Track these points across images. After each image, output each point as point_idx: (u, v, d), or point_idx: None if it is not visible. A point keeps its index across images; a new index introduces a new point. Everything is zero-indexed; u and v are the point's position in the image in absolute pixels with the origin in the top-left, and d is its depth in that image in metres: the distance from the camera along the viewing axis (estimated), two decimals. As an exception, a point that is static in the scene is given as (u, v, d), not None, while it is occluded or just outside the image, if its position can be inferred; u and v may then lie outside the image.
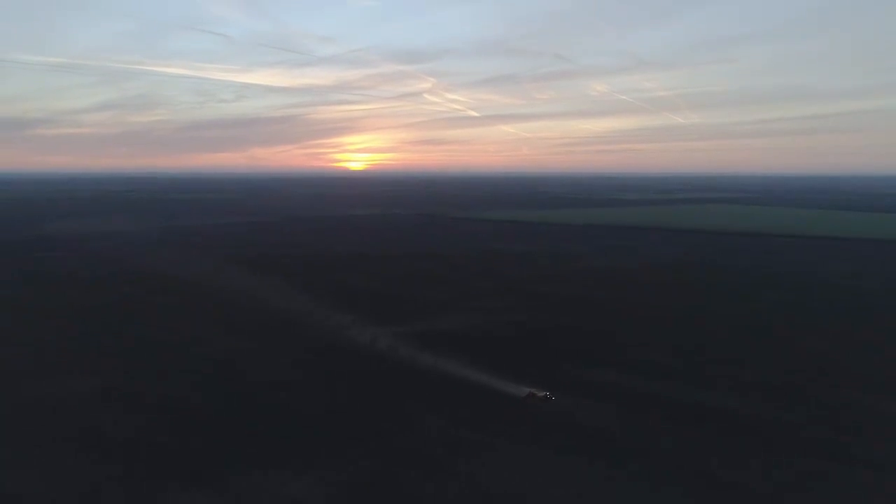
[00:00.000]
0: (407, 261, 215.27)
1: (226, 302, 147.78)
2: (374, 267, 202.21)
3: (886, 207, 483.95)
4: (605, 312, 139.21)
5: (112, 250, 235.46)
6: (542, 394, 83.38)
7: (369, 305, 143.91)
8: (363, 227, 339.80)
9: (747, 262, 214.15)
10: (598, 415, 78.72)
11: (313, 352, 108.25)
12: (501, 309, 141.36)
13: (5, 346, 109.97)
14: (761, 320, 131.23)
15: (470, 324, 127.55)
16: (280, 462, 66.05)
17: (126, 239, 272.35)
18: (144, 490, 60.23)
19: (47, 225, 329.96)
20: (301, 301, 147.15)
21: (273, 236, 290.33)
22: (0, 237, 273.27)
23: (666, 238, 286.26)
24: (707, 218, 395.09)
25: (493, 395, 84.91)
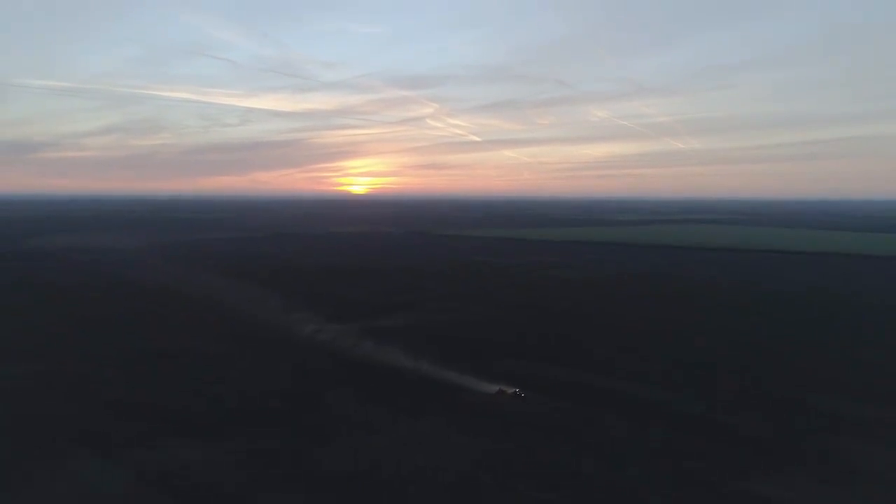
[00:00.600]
0: (381, 271, 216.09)
1: (189, 300, 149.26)
2: (344, 276, 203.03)
3: (880, 228, 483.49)
4: (567, 317, 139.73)
5: (96, 262, 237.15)
6: (511, 391, 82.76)
7: (328, 306, 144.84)
8: (347, 243, 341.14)
9: (715, 273, 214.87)
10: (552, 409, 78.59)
11: (267, 344, 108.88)
12: (463, 311, 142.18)
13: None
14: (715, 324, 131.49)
15: (420, 322, 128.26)
16: (194, 436, 66.44)
17: (114, 251, 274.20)
18: (58, 455, 60.85)
19: (40, 239, 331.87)
20: (263, 302, 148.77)
21: (253, 249, 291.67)
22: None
23: (648, 252, 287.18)
24: (693, 235, 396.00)
25: (462, 392, 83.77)
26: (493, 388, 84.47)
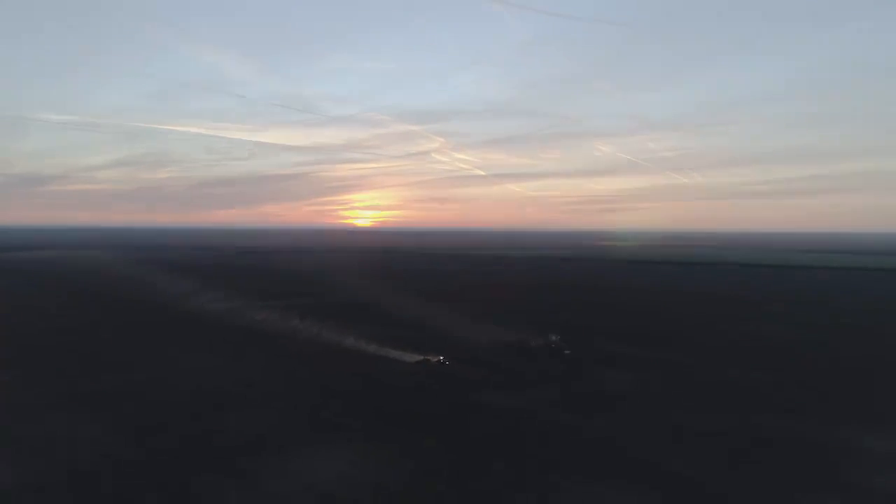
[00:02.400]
0: (317, 273, 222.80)
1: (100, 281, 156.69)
2: (277, 276, 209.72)
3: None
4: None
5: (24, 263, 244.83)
6: (436, 359, 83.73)
7: (238, 286, 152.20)
8: (300, 252, 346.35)
9: (641, 279, 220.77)
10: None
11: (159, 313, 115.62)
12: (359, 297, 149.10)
13: None
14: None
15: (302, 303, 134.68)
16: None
17: (62, 257, 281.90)
18: None
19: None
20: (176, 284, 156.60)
21: (204, 259, 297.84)
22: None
23: (574, 262, 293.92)
24: (637, 252, 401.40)
25: (386, 361, 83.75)
26: (416, 357, 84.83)
